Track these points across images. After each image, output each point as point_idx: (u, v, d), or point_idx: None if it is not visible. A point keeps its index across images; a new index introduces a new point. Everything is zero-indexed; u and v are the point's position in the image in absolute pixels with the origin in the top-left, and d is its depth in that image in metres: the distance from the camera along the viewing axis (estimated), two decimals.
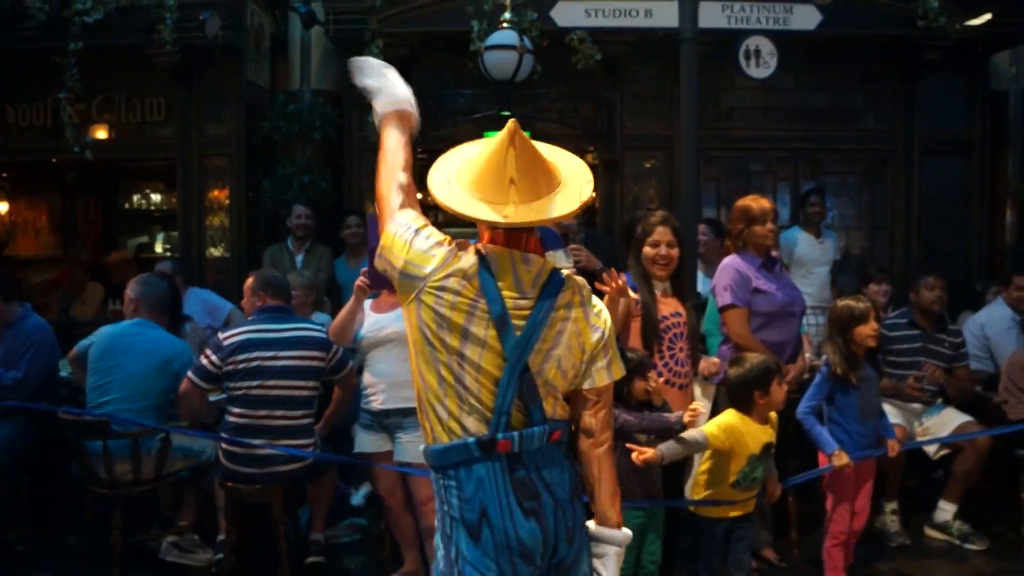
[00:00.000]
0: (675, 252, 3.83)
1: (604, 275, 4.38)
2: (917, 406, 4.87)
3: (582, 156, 6.90)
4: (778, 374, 3.49)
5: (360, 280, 3.70)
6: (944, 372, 4.81)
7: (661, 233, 3.83)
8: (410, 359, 2.05)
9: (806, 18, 5.17)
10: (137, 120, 7.07)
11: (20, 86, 7.15)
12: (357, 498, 5.14)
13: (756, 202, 4.33)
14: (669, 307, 3.86)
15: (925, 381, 4.74)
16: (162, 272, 5.48)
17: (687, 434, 3.30)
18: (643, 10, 5.07)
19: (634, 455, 3.21)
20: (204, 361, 4.03)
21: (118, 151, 7.14)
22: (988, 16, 6.50)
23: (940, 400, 4.92)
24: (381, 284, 3.75)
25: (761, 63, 5.18)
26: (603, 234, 5.99)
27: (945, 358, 4.86)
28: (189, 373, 4.10)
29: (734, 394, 3.49)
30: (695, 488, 3.57)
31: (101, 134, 7.10)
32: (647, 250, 3.85)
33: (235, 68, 6.67)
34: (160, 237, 11.74)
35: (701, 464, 3.54)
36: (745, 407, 3.43)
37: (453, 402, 1.97)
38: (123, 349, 4.37)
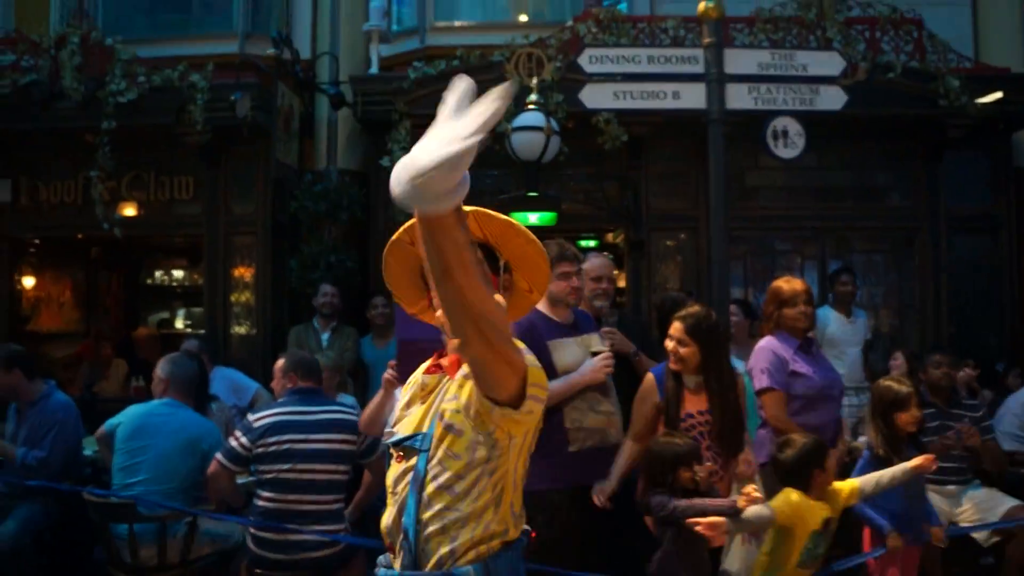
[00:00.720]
0: (685, 350, 3.67)
1: (635, 359, 4.38)
2: (953, 487, 4.74)
3: (607, 236, 6.90)
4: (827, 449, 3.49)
5: (389, 373, 3.66)
6: (976, 435, 4.65)
7: (674, 328, 3.73)
8: (480, 469, 1.92)
9: (832, 99, 5.17)
10: (165, 198, 7.17)
11: (53, 164, 7.30)
12: None
13: (788, 284, 4.31)
14: (695, 404, 3.73)
15: (958, 440, 4.57)
16: (189, 351, 5.47)
17: (752, 511, 3.21)
18: (671, 92, 5.08)
19: (700, 527, 3.13)
20: (234, 443, 3.96)
21: (146, 228, 7.22)
22: (999, 94, 6.57)
23: (978, 481, 4.79)
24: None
25: (789, 143, 5.19)
26: (636, 317, 5.95)
27: None
28: (218, 455, 4.04)
29: (791, 475, 3.42)
30: (756, 572, 3.48)
31: (130, 211, 7.20)
32: (666, 342, 3.78)
33: (263, 148, 6.77)
34: (181, 313, 11.77)
35: (763, 546, 3.46)
36: (804, 485, 3.38)
37: (518, 501, 2.02)
38: (152, 429, 4.31)
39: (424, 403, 2.02)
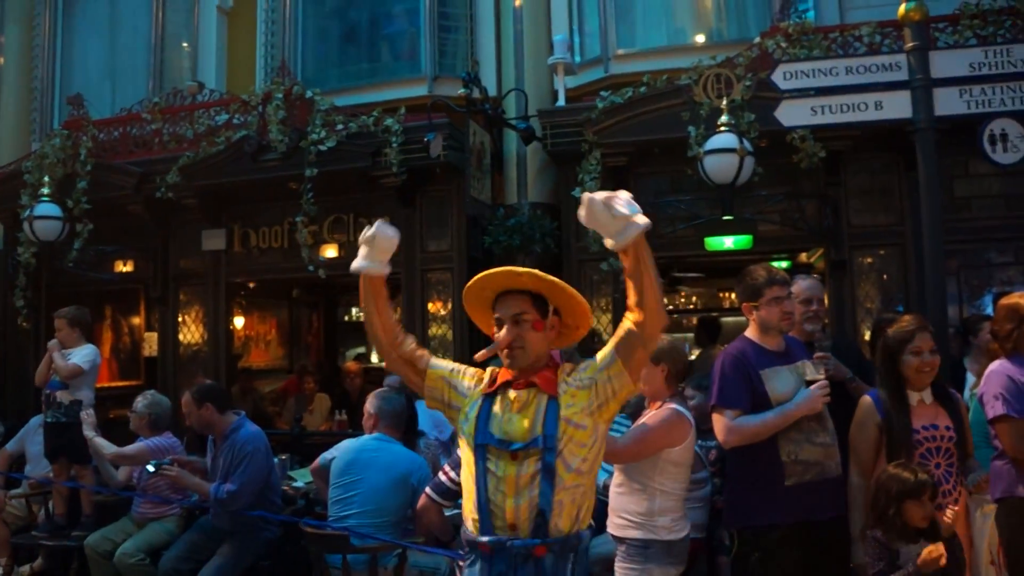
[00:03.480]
0: (938, 360, 3.58)
1: (851, 385, 4.14)
2: None
3: (800, 257, 6.54)
4: None
5: None
6: None
7: (924, 340, 3.58)
8: (596, 450, 2.62)
9: None
10: None
11: (261, 212, 7.78)
12: None
13: None
14: (924, 418, 3.55)
15: None
16: (391, 385, 5.64)
17: None
18: (873, 103, 4.80)
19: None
20: (443, 477, 4.03)
21: (347, 268, 7.48)
22: None
23: None
24: None
25: (1009, 147, 4.81)
26: (850, 340, 5.63)
27: None
28: (427, 489, 4.11)
29: None
30: None
31: (331, 252, 7.53)
32: (910, 359, 3.58)
33: (457, 185, 6.94)
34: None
35: None
36: None
37: None
38: (364, 464, 4.47)
39: (522, 413, 2.58)
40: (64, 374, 5.80)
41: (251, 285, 8.66)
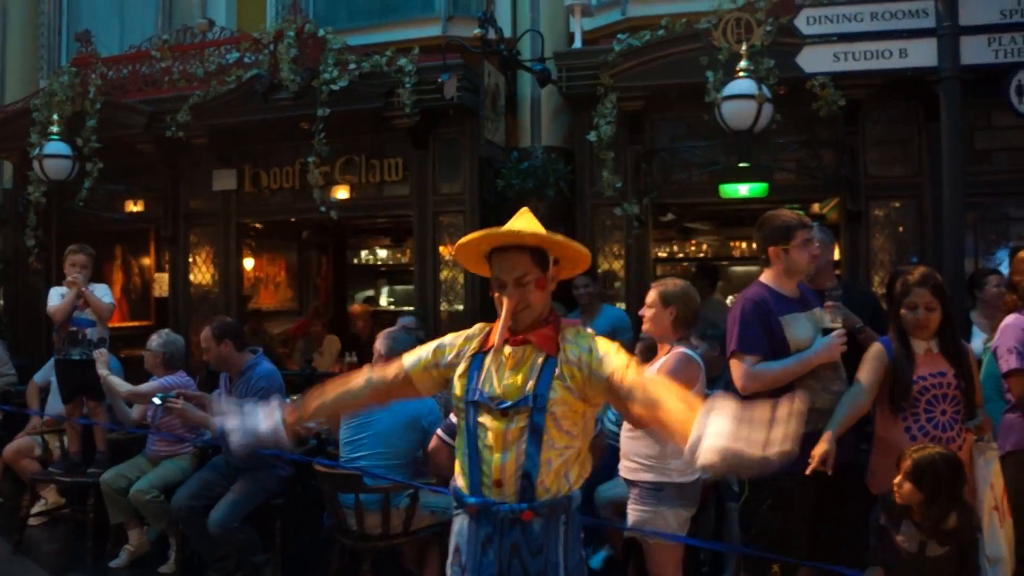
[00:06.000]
0: (934, 315, 3.54)
1: (860, 336, 4.13)
2: None
3: (821, 208, 6.44)
4: None
5: None
6: None
7: (918, 295, 3.56)
8: (589, 412, 2.52)
9: None
10: (376, 180, 7.40)
11: (273, 152, 7.72)
12: (596, 561, 5.02)
13: None
14: (930, 366, 3.56)
15: None
16: (407, 327, 5.65)
17: None
18: (897, 50, 4.73)
19: None
20: (453, 419, 4.03)
21: (358, 210, 7.49)
22: None
23: None
24: None
25: None
26: (866, 290, 5.60)
27: None
28: (438, 431, 4.12)
29: None
30: None
31: (343, 194, 7.48)
32: (904, 312, 3.60)
33: (470, 128, 6.87)
34: (385, 291, 12.29)
35: None
36: None
37: None
38: None
39: (515, 370, 2.45)
40: (106, 313, 5.77)
41: (261, 226, 8.63)
